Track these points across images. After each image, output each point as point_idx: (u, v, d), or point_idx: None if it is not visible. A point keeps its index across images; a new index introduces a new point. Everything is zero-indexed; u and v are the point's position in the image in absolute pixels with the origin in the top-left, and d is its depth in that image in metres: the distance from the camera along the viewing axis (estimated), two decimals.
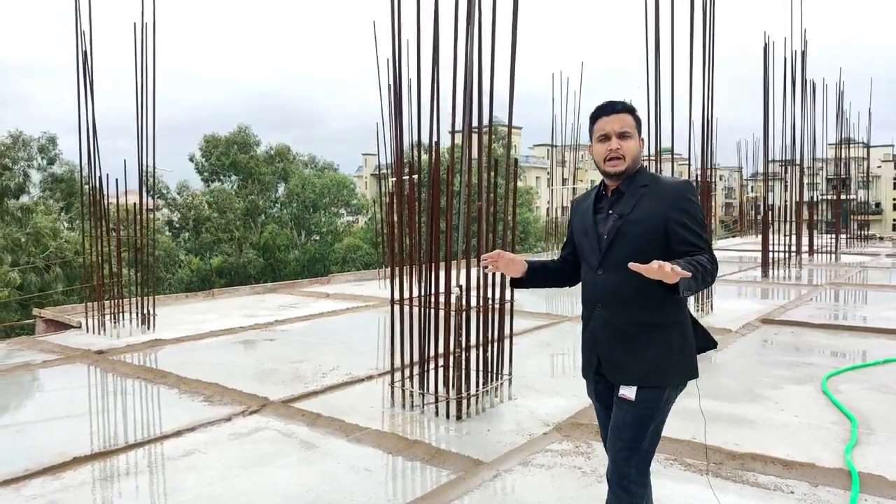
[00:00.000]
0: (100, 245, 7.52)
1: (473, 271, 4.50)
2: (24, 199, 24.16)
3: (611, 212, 2.31)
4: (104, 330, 7.36)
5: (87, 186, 7.73)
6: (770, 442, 3.90)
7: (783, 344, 6.76)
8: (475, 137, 4.54)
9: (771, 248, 12.74)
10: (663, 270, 1.91)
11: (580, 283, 2.49)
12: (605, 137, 2.28)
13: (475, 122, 4.52)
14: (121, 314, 7.44)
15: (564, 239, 2.72)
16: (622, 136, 2.26)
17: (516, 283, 2.55)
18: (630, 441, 2.26)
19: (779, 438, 3.98)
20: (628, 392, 2.26)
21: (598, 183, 2.47)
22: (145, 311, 7.46)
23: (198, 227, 31.95)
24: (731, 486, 3.38)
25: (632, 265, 1.99)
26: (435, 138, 4.68)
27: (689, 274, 1.95)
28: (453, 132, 4.66)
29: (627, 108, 2.29)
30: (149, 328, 7.45)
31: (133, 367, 5.98)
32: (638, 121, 2.32)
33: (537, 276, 2.54)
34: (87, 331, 7.51)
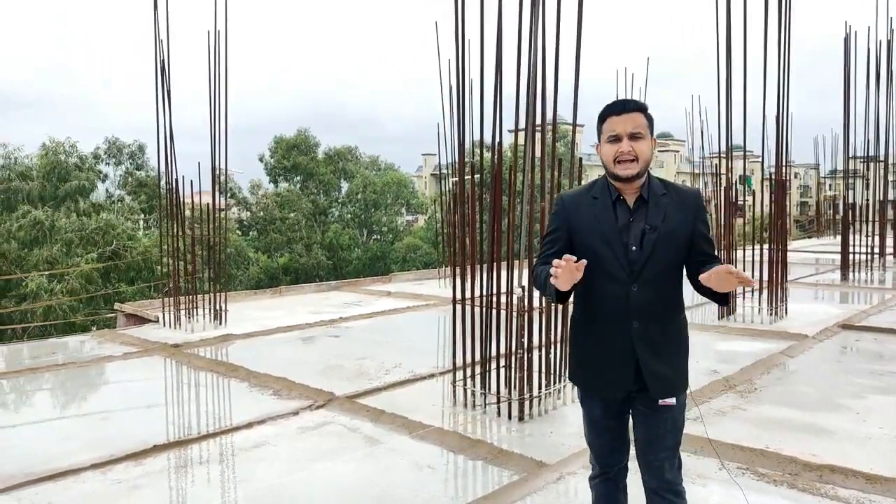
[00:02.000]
0: (176, 243, 7.89)
1: None
2: (97, 197, 25.74)
3: (632, 220, 2.19)
4: (179, 324, 7.73)
5: (164, 188, 8.12)
6: (851, 454, 3.70)
7: (865, 351, 6.40)
8: (538, 136, 4.51)
9: (851, 249, 12.07)
10: (740, 277, 1.97)
11: (587, 293, 2.26)
12: (616, 139, 2.16)
13: (538, 121, 4.49)
14: (195, 310, 7.79)
15: (545, 235, 2.38)
16: (634, 136, 2.14)
17: (562, 298, 2.25)
18: (673, 448, 2.28)
19: (861, 450, 3.77)
20: (670, 399, 2.23)
21: (594, 181, 2.33)
22: (217, 307, 7.78)
23: (267, 227, 33.06)
24: (808, 498, 3.23)
25: (705, 279, 2.05)
26: (497, 138, 4.68)
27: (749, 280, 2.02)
28: (516, 131, 4.64)
29: (639, 107, 2.19)
30: (221, 323, 7.77)
31: (206, 360, 6.26)
32: (650, 120, 2.20)
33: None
34: (164, 325, 7.89)
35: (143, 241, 23.04)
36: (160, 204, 9.04)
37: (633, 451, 2.42)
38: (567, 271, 2.01)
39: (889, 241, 14.64)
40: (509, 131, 4.61)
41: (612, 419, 2.34)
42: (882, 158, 14.67)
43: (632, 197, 2.22)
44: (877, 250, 13.52)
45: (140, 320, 8.57)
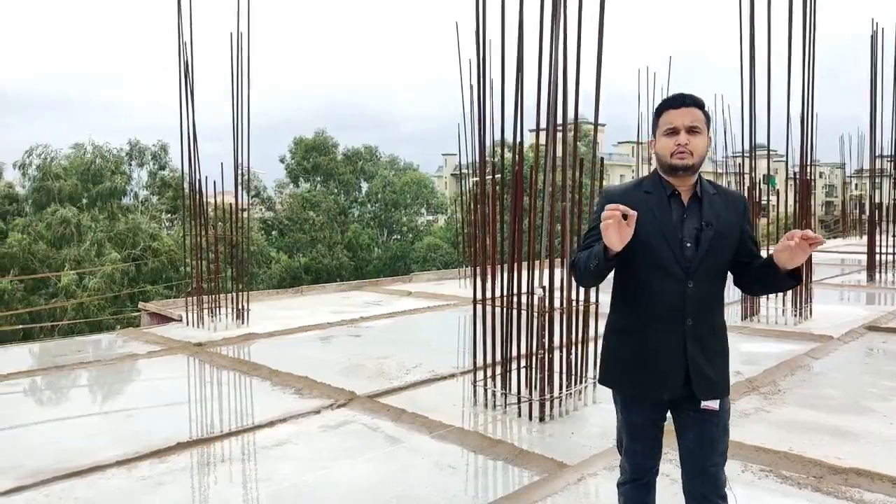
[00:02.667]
0: (199, 242, 8.00)
1: (557, 272, 4.47)
2: (125, 200, 26.26)
3: (686, 216, 2.18)
4: (202, 323, 7.83)
5: (188, 188, 8.24)
6: (878, 457, 3.64)
7: (892, 353, 6.28)
8: (559, 136, 4.50)
9: (878, 250, 11.83)
10: (813, 238, 2.01)
11: (636, 291, 2.23)
12: (674, 131, 2.15)
13: (559, 120, 4.47)
14: (217, 309, 7.89)
15: (590, 233, 2.29)
16: (691, 130, 2.14)
17: (609, 265, 2.13)
18: (723, 452, 2.26)
19: (888, 454, 3.71)
20: (713, 404, 2.20)
21: (641, 178, 2.32)
22: (240, 307, 7.88)
23: (289, 226, 33.35)
24: (833, 501, 3.18)
25: (780, 250, 2.04)
26: (518, 138, 4.67)
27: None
28: (537, 130, 4.63)
29: (697, 103, 2.18)
30: (243, 322, 7.86)
31: (229, 359, 6.34)
32: (707, 117, 2.21)
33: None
34: (187, 324, 8.01)
35: (166, 240, 23.42)
36: (183, 203, 9.17)
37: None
38: (616, 222, 1.94)
39: None
40: (530, 131, 4.60)
41: (651, 426, 2.31)
42: None
43: (687, 194, 2.21)
44: None
45: (164, 319, 8.70)
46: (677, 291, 2.15)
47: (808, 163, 8.26)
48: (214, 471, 3.74)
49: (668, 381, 2.19)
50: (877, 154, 13.18)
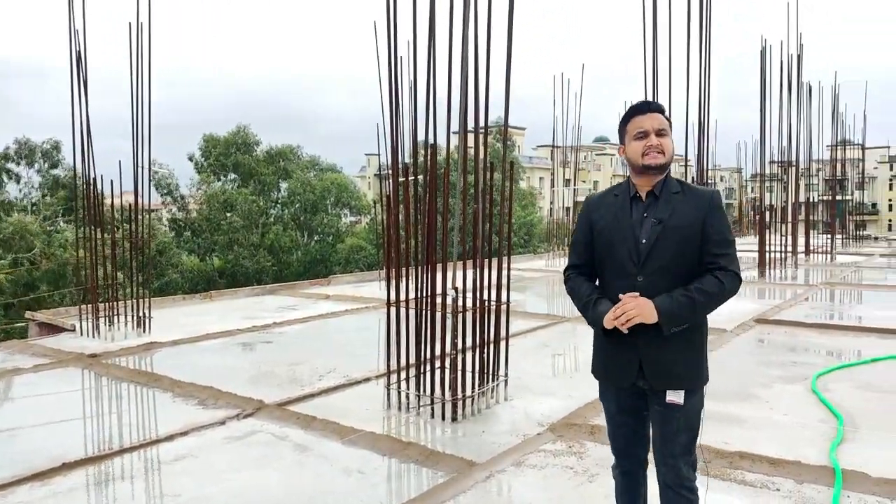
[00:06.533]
0: (94, 246, 7.50)
1: (470, 273, 4.51)
2: (4, 197, 24.28)
3: (645, 215, 2.30)
4: (98, 333, 7.34)
5: (82, 187, 7.71)
6: (759, 440, 3.91)
7: (777, 343, 6.77)
8: (471, 138, 4.54)
9: (768, 248, 12.76)
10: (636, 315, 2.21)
11: (604, 288, 2.40)
12: (644, 134, 2.30)
13: (472, 124, 4.52)
14: (115, 317, 7.43)
15: (571, 240, 2.54)
16: (660, 133, 2.30)
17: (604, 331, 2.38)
18: (687, 445, 2.34)
19: (767, 437, 3.99)
20: (677, 397, 2.28)
21: (618, 184, 2.46)
22: (140, 314, 7.45)
23: (204, 228, 31.89)
24: (720, 484, 3.38)
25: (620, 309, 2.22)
26: (432, 140, 4.68)
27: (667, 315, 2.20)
28: (448, 134, 4.66)
29: (660, 108, 2.35)
30: (144, 331, 7.43)
31: (127, 370, 5.97)
32: (669, 121, 2.37)
33: None
34: (81, 334, 7.48)
35: (60, 242, 21.80)
36: (76, 203, 8.58)
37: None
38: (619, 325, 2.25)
39: (801, 241, 15.59)
40: (454, 133, 4.62)
41: (627, 415, 2.42)
42: (795, 163, 15.61)
43: (646, 194, 2.33)
44: (791, 249, 14.37)
45: (55, 329, 8.09)
46: (629, 286, 2.27)
47: (707, 167, 8.78)
48: (109, 489, 3.50)
49: (626, 369, 2.34)
50: (768, 160, 14.24)
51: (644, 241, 2.27)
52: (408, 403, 4.63)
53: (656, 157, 2.27)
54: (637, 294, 2.23)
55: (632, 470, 2.51)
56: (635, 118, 2.32)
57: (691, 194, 2.32)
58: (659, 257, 2.25)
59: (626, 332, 2.26)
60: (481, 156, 4.54)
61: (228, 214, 31.77)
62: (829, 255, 16.43)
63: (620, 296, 2.25)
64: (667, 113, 2.38)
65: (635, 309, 2.20)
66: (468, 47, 4.43)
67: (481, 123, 4.54)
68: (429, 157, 4.68)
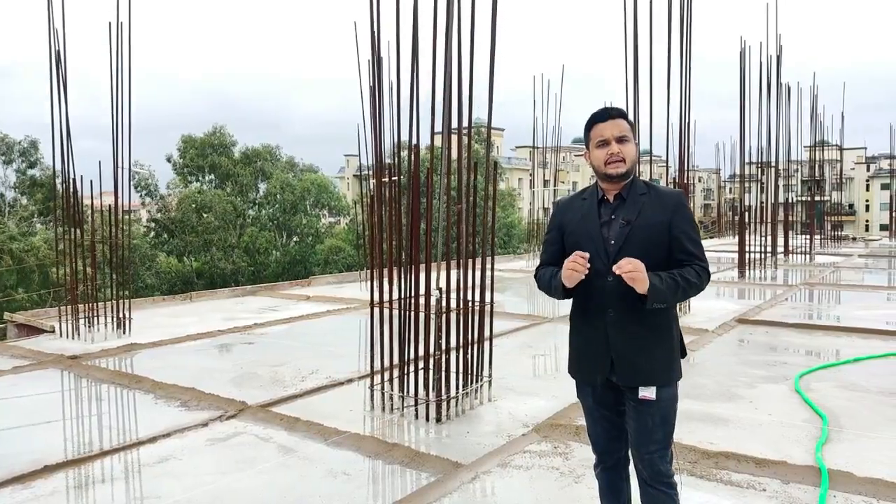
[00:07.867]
0: (73, 247, 7.39)
1: (454, 273, 4.51)
2: None
3: (613, 216, 2.35)
4: (78, 334, 7.24)
5: (60, 187, 7.60)
6: (744, 440, 3.95)
7: (758, 343, 6.86)
8: (454, 139, 4.55)
9: (747, 248, 12.92)
10: (637, 274, 2.14)
11: (577, 289, 2.37)
12: (605, 143, 2.33)
13: (455, 124, 4.52)
14: (95, 318, 7.32)
15: (543, 241, 2.63)
16: (621, 140, 2.33)
17: (568, 294, 2.41)
18: (662, 441, 2.36)
19: (752, 437, 4.04)
20: (649, 393, 2.31)
21: (586, 187, 2.50)
22: (121, 315, 7.35)
23: (182, 229, 31.55)
24: (705, 484, 3.42)
25: (616, 269, 2.18)
26: (415, 141, 4.67)
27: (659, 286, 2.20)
28: (432, 134, 4.65)
29: (622, 114, 2.38)
30: (124, 332, 7.33)
31: (108, 372, 5.89)
32: (632, 125, 2.39)
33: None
34: (61, 335, 7.37)
35: (36, 243, 21.39)
36: (55, 204, 8.44)
37: None
38: (579, 274, 2.26)
39: (780, 241, 15.81)
40: (437, 133, 4.62)
41: (604, 409, 2.46)
42: (774, 164, 15.83)
43: (614, 196, 2.38)
44: (770, 249, 14.57)
45: (34, 331, 7.96)
46: (600, 286, 2.32)
47: (687, 168, 8.87)
48: (90, 493, 3.46)
49: (598, 366, 2.39)
50: (747, 161, 14.43)
51: (613, 241, 2.32)
52: (392, 404, 4.63)
53: (617, 166, 2.31)
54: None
55: (613, 466, 2.54)
56: (597, 125, 2.36)
57: (657, 195, 2.37)
58: (630, 256, 2.27)
59: (612, 278, 2.25)
60: (465, 155, 4.55)
61: (205, 215, 31.43)
62: (807, 256, 16.69)
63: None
64: (629, 116, 2.41)
65: (636, 266, 2.17)
66: (451, 48, 4.43)
67: (464, 123, 4.55)
68: (412, 158, 4.67)
